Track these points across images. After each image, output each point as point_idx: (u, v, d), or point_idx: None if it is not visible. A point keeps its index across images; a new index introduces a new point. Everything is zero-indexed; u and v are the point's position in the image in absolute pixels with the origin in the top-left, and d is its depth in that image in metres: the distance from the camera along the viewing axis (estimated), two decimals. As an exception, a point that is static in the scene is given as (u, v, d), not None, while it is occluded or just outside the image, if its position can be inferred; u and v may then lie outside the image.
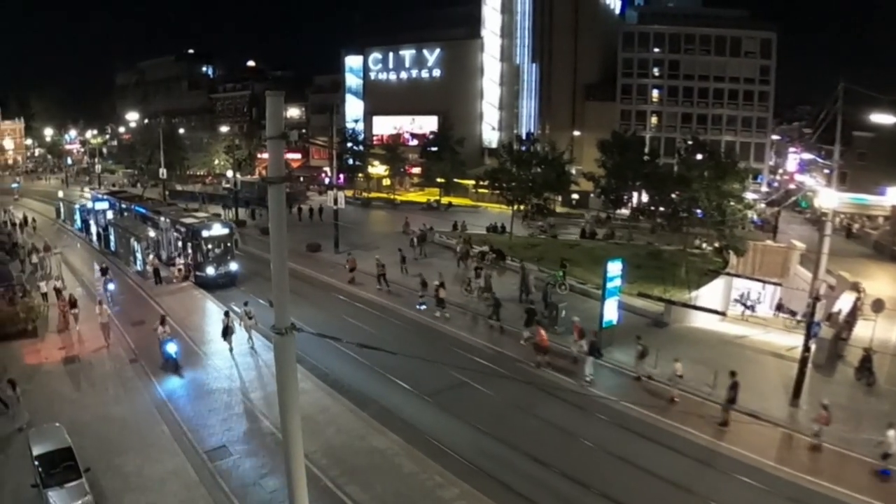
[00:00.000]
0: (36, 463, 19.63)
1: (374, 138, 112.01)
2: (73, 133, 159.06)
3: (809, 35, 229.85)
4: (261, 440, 24.15)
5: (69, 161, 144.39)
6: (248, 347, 34.09)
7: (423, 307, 40.70)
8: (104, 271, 44.35)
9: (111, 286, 42.48)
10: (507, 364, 32.56)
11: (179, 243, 48.10)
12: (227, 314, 34.73)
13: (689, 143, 73.31)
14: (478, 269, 45.27)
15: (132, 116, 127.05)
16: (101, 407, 26.63)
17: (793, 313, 41.12)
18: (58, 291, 37.65)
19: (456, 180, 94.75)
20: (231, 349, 33.33)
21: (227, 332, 33.36)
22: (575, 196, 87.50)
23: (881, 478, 22.21)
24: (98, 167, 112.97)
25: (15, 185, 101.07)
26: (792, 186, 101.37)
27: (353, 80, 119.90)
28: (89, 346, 32.87)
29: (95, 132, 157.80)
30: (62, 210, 77.00)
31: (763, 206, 74.05)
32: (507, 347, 34.82)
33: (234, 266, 46.75)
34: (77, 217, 69.24)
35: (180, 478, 21.46)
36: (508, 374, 31.05)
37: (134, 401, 26.21)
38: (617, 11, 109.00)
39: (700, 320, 39.92)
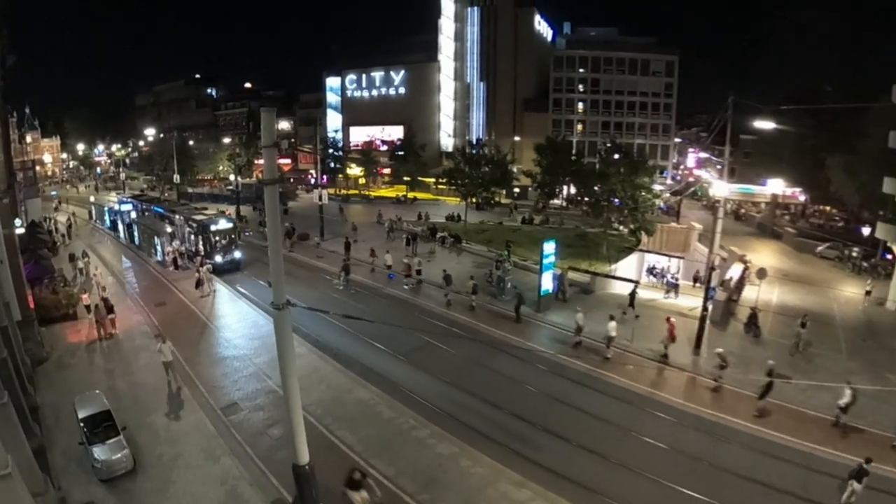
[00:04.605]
0: (81, 424, 19.40)
1: (351, 145, 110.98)
2: (100, 147, 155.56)
3: (705, 57, 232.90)
4: (265, 397, 23.86)
5: (98, 171, 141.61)
6: (212, 290, 38.29)
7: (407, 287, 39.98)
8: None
9: None
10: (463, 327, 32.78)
11: (192, 237, 47.11)
12: (197, 271, 39.57)
13: (608, 145, 74.42)
14: (498, 262, 42.16)
15: (149, 132, 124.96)
16: (133, 375, 26.02)
17: (671, 282, 41.48)
18: (105, 301, 32.09)
19: (419, 178, 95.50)
20: (204, 296, 37.53)
21: (198, 284, 38.19)
22: (516, 190, 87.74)
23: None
24: (122, 175, 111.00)
25: (53, 194, 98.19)
26: (691, 179, 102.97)
27: (332, 98, 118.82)
28: (121, 326, 32.03)
29: (119, 146, 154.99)
30: (94, 212, 75.05)
31: (668, 195, 75.07)
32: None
33: (237, 254, 45.82)
34: (106, 217, 67.55)
35: (201, 431, 21.10)
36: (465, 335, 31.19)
37: (159, 368, 25.69)
38: (549, 39, 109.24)
39: (618, 287, 40.35)
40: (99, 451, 18.37)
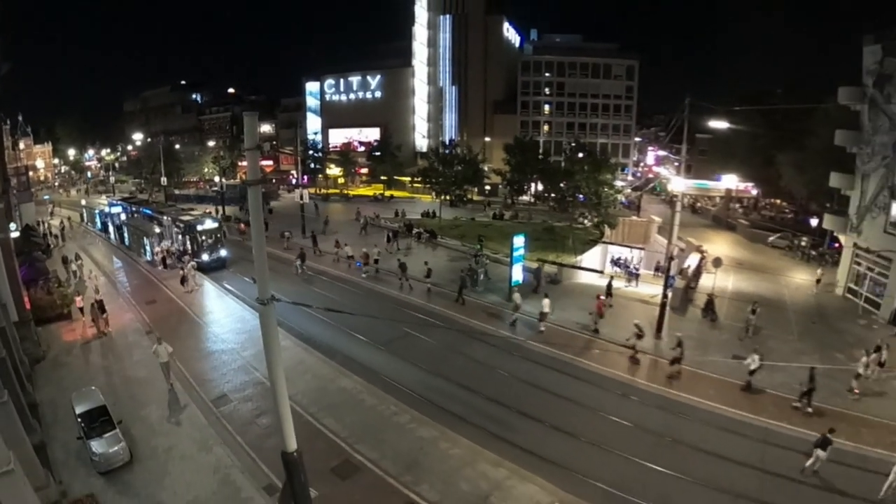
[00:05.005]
0: (79, 420, 19.28)
1: (331, 147, 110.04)
2: (91, 152, 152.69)
3: (664, 62, 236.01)
4: (253, 388, 23.78)
5: (89, 175, 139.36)
6: (198, 285, 39.06)
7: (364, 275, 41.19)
8: None
9: None
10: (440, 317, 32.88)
11: (179, 237, 46.44)
12: (182, 269, 39.78)
13: (573, 144, 74.92)
14: (476, 257, 42.22)
15: (137, 136, 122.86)
16: (126, 371, 25.77)
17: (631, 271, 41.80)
18: (99, 303, 31.25)
19: (396, 177, 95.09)
20: (189, 291, 37.90)
21: (183, 281, 38.54)
22: (487, 188, 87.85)
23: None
24: (112, 179, 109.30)
25: (46, 198, 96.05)
26: (650, 176, 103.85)
27: (312, 101, 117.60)
28: (114, 325, 31.50)
29: (109, 150, 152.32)
30: (85, 215, 73.64)
31: (629, 191, 75.93)
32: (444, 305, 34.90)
33: (223, 252, 45.29)
34: (97, 220, 66.38)
35: (193, 423, 21.03)
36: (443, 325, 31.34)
37: (151, 364, 25.46)
38: (517, 45, 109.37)
39: (584, 277, 40.71)
40: (97, 445, 18.29)
